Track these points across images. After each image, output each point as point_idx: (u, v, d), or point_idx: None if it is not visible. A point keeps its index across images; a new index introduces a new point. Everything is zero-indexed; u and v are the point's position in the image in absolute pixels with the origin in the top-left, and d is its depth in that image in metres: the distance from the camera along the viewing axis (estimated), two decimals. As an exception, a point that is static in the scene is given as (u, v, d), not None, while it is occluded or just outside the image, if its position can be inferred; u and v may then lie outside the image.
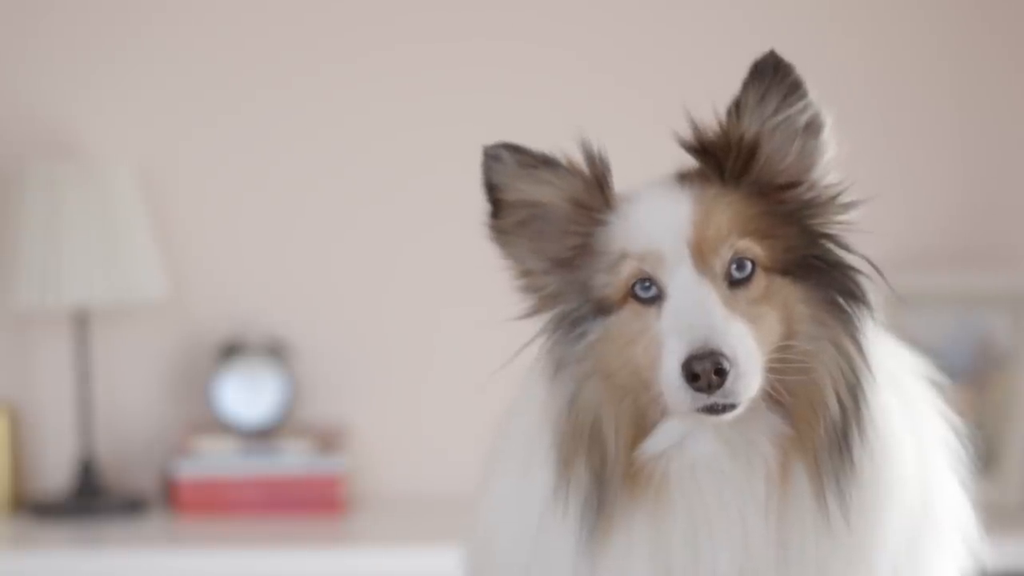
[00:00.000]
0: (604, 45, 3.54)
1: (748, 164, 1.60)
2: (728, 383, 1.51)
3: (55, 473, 3.52)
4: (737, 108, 1.59)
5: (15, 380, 3.53)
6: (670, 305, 1.56)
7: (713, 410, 1.53)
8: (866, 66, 3.54)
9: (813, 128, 1.60)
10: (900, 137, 3.54)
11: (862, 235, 1.62)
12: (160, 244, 3.46)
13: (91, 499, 3.41)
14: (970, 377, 3.40)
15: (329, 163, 3.55)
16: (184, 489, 3.40)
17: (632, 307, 1.59)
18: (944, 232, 3.55)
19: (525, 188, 1.62)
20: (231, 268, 3.55)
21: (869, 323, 1.60)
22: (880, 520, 1.58)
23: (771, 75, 1.59)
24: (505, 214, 1.63)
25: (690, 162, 1.63)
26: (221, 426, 3.44)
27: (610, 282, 1.59)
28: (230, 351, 3.46)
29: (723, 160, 1.60)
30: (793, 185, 1.60)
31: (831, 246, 1.60)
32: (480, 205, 1.64)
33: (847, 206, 1.61)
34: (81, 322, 3.44)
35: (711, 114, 1.60)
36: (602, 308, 1.60)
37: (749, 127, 1.59)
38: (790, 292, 1.58)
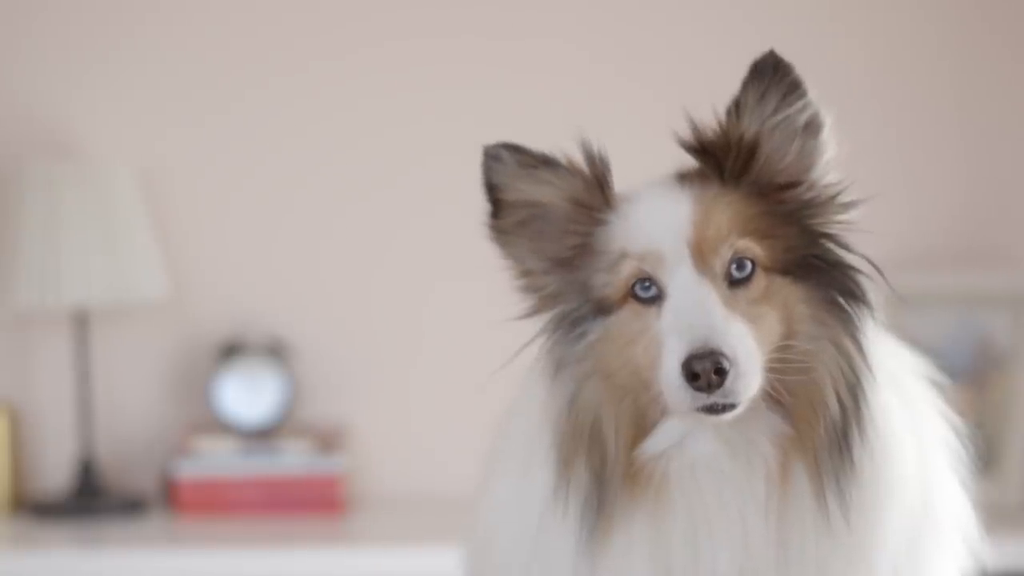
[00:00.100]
0: (602, 44, 3.54)
1: (748, 164, 1.60)
2: (728, 383, 1.51)
3: (55, 473, 3.52)
4: (737, 108, 1.59)
5: (15, 380, 3.53)
6: (670, 305, 1.56)
7: (713, 410, 1.53)
8: (866, 66, 3.54)
9: (813, 128, 1.60)
10: (901, 137, 3.54)
11: (862, 235, 1.62)
12: (160, 244, 3.45)
13: (91, 499, 3.41)
14: (970, 377, 3.40)
15: (329, 163, 3.54)
16: (184, 489, 3.40)
17: (632, 307, 1.59)
18: (944, 232, 3.55)
19: (525, 188, 1.62)
20: (231, 268, 3.54)
21: (869, 323, 1.60)
22: (880, 520, 1.58)
23: (771, 75, 1.59)
24: (505, 214, 1.63)
25: (690, 162, 1.63)
26: (221, 426, 3.44)
27: (610, 282, 1.59)
28: (230, 351, 3.46)
29: (723, 160, 1.60)
30: (793, 185, 1.60)
31: (831, 246, 1.60)
32: (480, 204, 1.64)
33: (847, 206, 1.61)
34: (81, 322, 3.43)
35: (711, 114, 1.60)
36: (602, 308, 1.60)
37: (749, 127, 1.59)
38: (790, 292, 1.58)
